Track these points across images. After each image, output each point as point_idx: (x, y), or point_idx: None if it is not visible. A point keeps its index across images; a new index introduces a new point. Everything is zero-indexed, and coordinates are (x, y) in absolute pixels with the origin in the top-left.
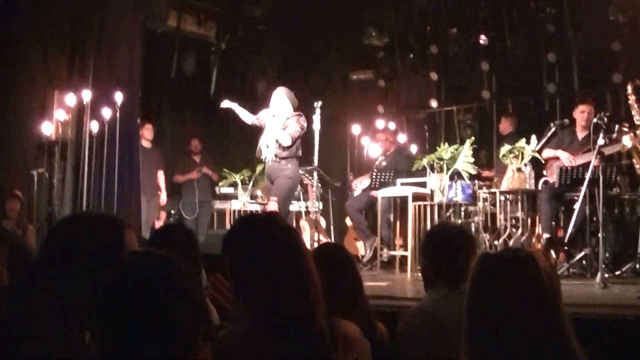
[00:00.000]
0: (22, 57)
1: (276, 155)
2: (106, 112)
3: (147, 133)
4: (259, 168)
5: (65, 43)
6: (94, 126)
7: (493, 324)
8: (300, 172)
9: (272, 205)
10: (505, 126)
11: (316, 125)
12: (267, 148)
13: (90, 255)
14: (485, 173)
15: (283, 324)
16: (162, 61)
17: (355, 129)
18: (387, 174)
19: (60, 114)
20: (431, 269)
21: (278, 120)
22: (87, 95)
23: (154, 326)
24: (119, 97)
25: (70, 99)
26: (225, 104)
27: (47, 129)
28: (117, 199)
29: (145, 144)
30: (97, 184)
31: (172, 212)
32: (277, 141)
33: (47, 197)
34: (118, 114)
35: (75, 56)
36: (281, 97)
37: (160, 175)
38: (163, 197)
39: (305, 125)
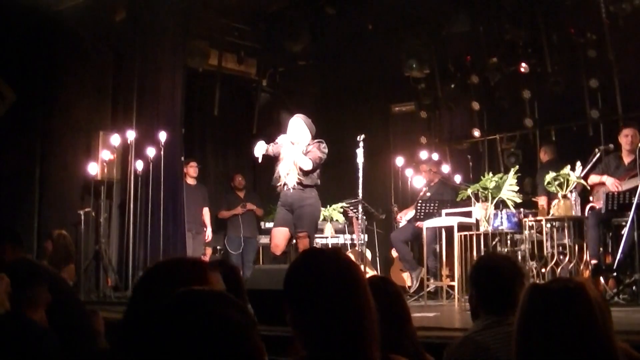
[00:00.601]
0: (67, 100)
1: (299, 183)
2: (150, 151)
3: (191, 170)
4: None
5: (108, 85)
6: (138, 165)
7: (543, 356)
8: (345, 204)
9: (305, 242)
10: (542, 155)
11: (360, 158)
12: (288, 176)
13: None
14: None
15: (338, 358)
16: (204, 99)
17: (399, 160)
18: (432, 204)
19: (105, 154)
20: (479, 300)
21: (298, 147)
22: (131, 135)
23: None
24: (162, 136)
25: (115, 139)
26: (259, 151)
27: (93, 169)
28: (163, 236)
29: (190, 181)
30: (142, 222)
31: (218, 247)
32: (299, 168)
33: (94, 235)
34: (162, 153)
35: (118, 97)
36: (300, 125)
37: (206, 212)
38: (208, 234)
39: (326, 152)
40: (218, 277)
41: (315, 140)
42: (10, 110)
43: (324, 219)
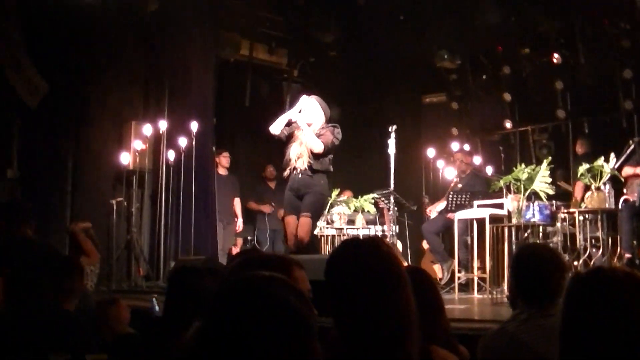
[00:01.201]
0: (100, 90)
1: (310, 167)
2: (182, 141)
3: (224, 161)
4: (334, 193)
5: (140, 75)
6: (170, 155)
7: (590, 348)
8: (376, 195)
9: (306, 222)
10: (578, 147)
11: (391, 149)
12: (298, 159)
13: None
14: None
15: (375, 349)
16: (235, 89)
17: (430, 152)
18: (464, 196)
19: (137, 144)
20: (518, 290)
21: (311, 129)
22: (163, 125)
23: (271, 347)
24: (194, 126)
25: (147, 129)
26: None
27: (125, 159)
28: (194, 227)
29: (222, 171)
30: (174, 212)
31: (249, 238)
32: (310, 150)
33: (125, 225)
34: (194, 143)
35: (150, 88)
36: (314, 106)
37: (237, 203)
38: (239, 224)
39: (339, 137)
40: (303, 274)
41: (330, 124)
42: (43, 101)
43: (355, 210)
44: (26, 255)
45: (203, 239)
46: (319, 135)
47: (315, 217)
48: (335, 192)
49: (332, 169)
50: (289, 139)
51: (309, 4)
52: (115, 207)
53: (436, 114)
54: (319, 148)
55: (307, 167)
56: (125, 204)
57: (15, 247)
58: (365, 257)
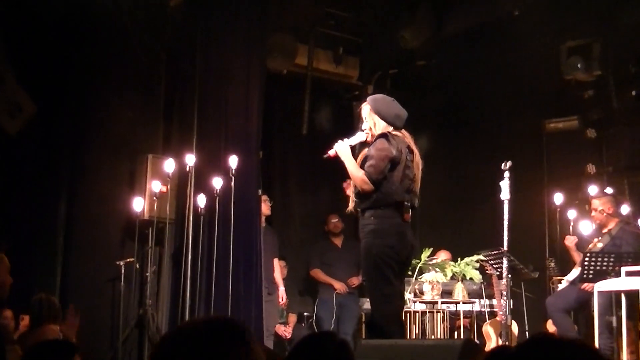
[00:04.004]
0: (104, 114)
1: (355, 206)
2: (217, 182)
3: (263, 207)
4: (424, 254)
5: (160, 94)
6: (200, 200)
7: None
8: (483, 257)
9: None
10: None
11: (504, 194)
12: (350, 197)
13: None
14: None
15: None
16: (289, 112)
17: (557, 197)
18: (606, 259)
19: (155, 186)
20: None
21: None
22: (190, 159)
23: None
24: (233, 161)
25: (169, 165)
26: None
27: (139, 205)
28: (232, 298)
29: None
30: (204, 277)
31: (305, 314)
32: (354, 187)
33: (137, 295)
34: (232, 184)
35: (173, 110)
36: (367, 115)
37: (276, 264)
38: (282, 294)
39: (388, 148)
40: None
41: (380, 132)
42: (28, 126)
43: (453, 277)
44: None
45: (244, 316)
46: (365, 158)
47: (371, 277)
48: (426, 253)
49: (397, 199)
50: None
51: None
52: (123, 271)
53: (565, 146)
54: (366, 185)
55: (354, 206)
56: (138, 266)
57: None
58: None
